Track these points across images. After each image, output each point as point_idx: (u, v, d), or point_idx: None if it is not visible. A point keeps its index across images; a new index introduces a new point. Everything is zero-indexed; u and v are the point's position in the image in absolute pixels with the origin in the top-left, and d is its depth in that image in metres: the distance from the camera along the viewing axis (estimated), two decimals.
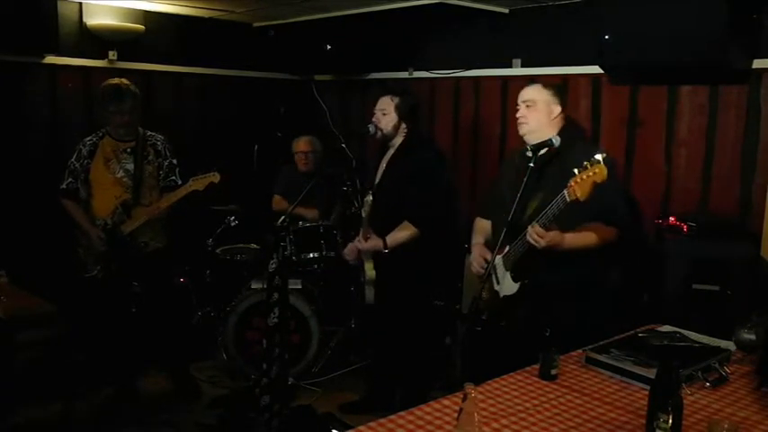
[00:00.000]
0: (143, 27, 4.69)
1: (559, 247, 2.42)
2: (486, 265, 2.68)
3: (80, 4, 4.48)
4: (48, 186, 3.80)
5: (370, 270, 3.34)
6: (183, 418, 3.53)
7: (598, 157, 2.17)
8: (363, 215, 3.38)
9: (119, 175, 3.56)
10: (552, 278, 2.53)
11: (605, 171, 2.16)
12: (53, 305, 3.16)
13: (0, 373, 3.16)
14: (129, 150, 3.60)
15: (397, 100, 3.30)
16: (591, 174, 2.17)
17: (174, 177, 3.70)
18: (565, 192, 2.25)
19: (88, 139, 3.61)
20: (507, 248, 2.61)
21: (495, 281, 2.73)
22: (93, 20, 4.51)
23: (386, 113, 3.31)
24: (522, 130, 2.68)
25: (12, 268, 3.46)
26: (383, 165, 3.41)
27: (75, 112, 4.56)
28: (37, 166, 4.40)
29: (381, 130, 3.32)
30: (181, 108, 5.07)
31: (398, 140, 3.35)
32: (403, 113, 3.31)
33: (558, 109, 2.67)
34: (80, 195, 3.61)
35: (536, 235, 2.37)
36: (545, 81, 2.76)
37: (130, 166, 3.57)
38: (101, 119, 3.66)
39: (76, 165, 3.58)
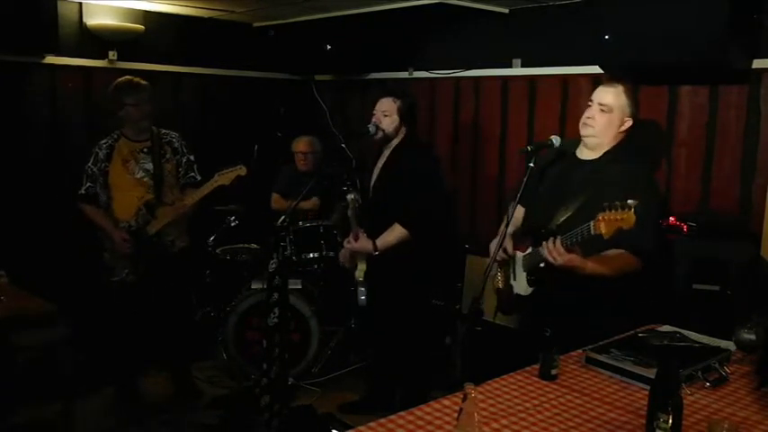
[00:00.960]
0: (143, 27, 4.68)
1: (579, 272, 2.34)
2: (504, 256, 2.62)
3: (80, 4, 4.47)
4: (48, 186, 3.82)
5: (361, 271, 3.35)
6: (183, 418, 3.53)
7: (631, 202, 2.07)
8: (349, 214, 3.38)
9: (139, 176, 3.55)
10: (568, 296, 2.45)
11: (633, 220, 2.06)
12: (53, 305, 3.15)
13: (0, 373, 3.16)
14: (145, 150, 3.58)
15: (399, 102, 3.32)
16: (618, 218, 2.08)
17: (193, 174, 3.68)
18: (591, 224, 2.17)
19: (104, 141, 3.59)
20: (530, 249, 2.57)
21: (512, 275, 2.69)
22: (93, 20, 4.51)
23: (388, 115, 3.32)
24: (586, 131, 2.54)
25: (12, 268, 3.46)
26: (379, 166, 3.42)
27: (75, 112, 4.55)
28: (37, 166, 4.40)
29: (383, 131, 3.32)
30: (181, 108, 5.07)
31: (395, 142, 3.36)
32: (404, 115, 3.33)
33: (629, 121, 2.55)
34: (100, 199, 3.57)
35: (555, 252, 2.30)
36: (626, 86, 2.59)
37: (149, 166, 3.55)
38: (113, 121, 3.63)
39: (94, 169, 3.55)
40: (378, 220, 3.32)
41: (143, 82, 3.56)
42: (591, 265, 2.34)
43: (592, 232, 2.18)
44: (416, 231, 3.23)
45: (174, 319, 3.76)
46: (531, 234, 2.51)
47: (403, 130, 3.36)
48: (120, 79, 3.57)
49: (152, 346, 3.87)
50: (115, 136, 3.61)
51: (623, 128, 2.56)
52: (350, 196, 3.36)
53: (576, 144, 2.64)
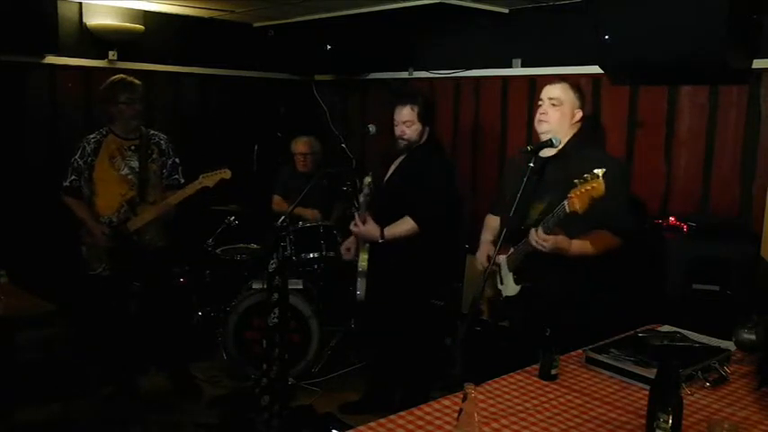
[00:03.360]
0: (143, 27, 4.68)
1: (566, 253, 2.41)
2: (487, 264, 2.67)
3: (80, 4, 4.48)
4: (48, 186, 3.80)
5: (363, 261, 3.33)
6: (183, 418, 3.53)
7: (597, 171, 2.16)
8: (362, 198, 3.35)
9: (123, 173, 3.57)
10: (553, 283, 2.53)
11: (602, 187, 2.15)
12: (53, 305, 3.16)
13: (0, 373, 3.16)
14: (133, 148, 3.61)
15: (417, 108, 3.28)
16: (589, 188, 2.16)
17: (177, 176, 3.71)
18: (565, 203, 2.25)
19: (92, 136, 3.61)
20: (511, 250, 2.62)
21: (498, 280, 2.73)
22: (93, 20, 4.51)
23: (410, 124, 3.28)
24: (542, 128, 2.65)
25: (12, 268, 3.46)
26: (396, 162, 3.41)
27: (75, 112, 4.56)
28: (37, 166, 4.40)
29: (408, 140, 3.30)
30: (181, 108, 5.07)
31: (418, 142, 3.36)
32: (424, 118, 3.31)
33: (580, 113, 2.65)
34: (83, 193, 3.61)
35: (539, 239, 2.37)
36: (571, 81, 2.71)
37: (135, 164, 3.59)
38: (105, 117, 3.66)
39: (80, 162, 3.58)
40: (389, 213, 3.31)
41: (137, 81, 3.60)
42: (575, 245, 2.43)
43: (567, 210, 2.25)
44: (426, 228, 3.23)
45: (161, 318, 3.77)
46: (511, 235, 2.53)
47: (426, 131, 3.34)
48: (114, 77, 3.61)
49: (152, 345, 3.87)
50: (104, 132, 3.63)
51: (575, 119, 2.65)
52: (367, 179, 3.33)
53: (544, 145, 2.67)
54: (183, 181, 3.69)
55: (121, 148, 3.60)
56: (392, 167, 3.42)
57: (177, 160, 3.74)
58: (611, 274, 2.61)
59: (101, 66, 4.59)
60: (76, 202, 3.59)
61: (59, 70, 4.46)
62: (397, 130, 3.31)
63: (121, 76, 3.61)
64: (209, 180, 3.54)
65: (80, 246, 3.60)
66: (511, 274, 2.65)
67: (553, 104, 2.63)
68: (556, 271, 2.49)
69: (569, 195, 2.21)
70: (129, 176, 3.57)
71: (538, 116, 2.67)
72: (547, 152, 2.64)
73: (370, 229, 3.27)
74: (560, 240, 2.38)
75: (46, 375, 3.42)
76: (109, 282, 3.57)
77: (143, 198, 3.58)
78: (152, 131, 3.71)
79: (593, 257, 2.48)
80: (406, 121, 3.28)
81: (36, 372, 3.41)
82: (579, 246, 2.44)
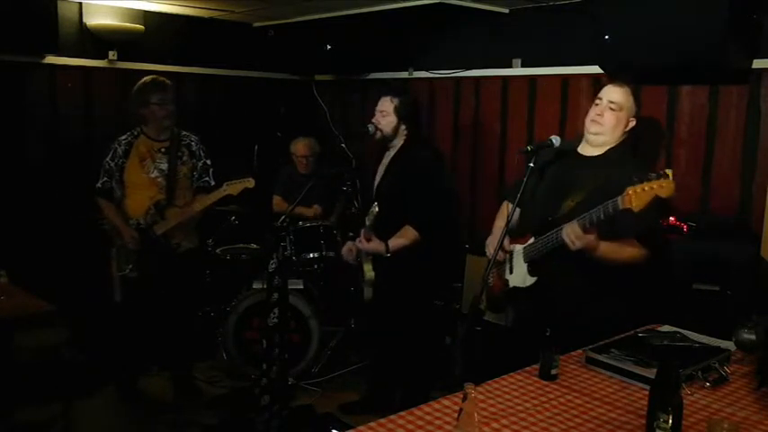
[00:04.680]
0: (143, 27, 4.68)
1: (592, 253, 2.36)
2: (497, 251, 2.64)
3: (80, 4, 4.47)
4: (47, 186, 3.82)
5: (369, 271, 3.34)
6: (183, 418, 3.53)
7: (669, 171, 2.12)
8: (367, 222, 3.36)
9: (153, 176, 3.57)
10: (570, 281, 2.49)
11: (672, 188, 2.10)
12: (53, 305, 3.15)
13: (0, 373, 3.16)
14: (163, 150, 3.61)
15: (396, 101, 3.28)
16: (655, 186, 2.10)
17: (207, 178, 3.71)
18: (619, 198, 2.18)
19: (123, 138, 3.62)
20: (532, 240, 2.56)
21: (507, 269, 2.69)
22: (93, 20, 4.51)
23: (385, 115, 3.29)
24: (594, 128, 2.55)
25: (12, 268, 3.46)
26: (382, 167, 3.41)
27: (75, 112, 4.55)
28: (37, 166, 4.40)
29: (381, 131, 3.31)
30: (180, 108, 5.05)
31: (398, 142, 3.34)
32: (402, 115, 3.29)
33: (633, 122, 2.59)
34: (114, 195, 3.61)
35: (573, 234, 2.31)
36: (632, 87, 2.62)
37: (165, 166, 3.58)
38: (135, 119, 3.65)
39: (111, 164, 3.58)
40: (384, 221, 3.31)
41: (168, 82, 3.61)
42: (603, 247, 2.36)
43: (620, 206, 2.18)
44: (427, 233, 3.23)
45: (177, 318, 3.76)
46: (533, 225, 2.51)
47: (403, 129, 3.31)
48: (146, 78, 3.61)
49: (153, 345, 3.87)
50: (135, 133, 3.63)
51: (628, 127, 2.59)
52: (374, 209, 3.34)
53: (576, 143, 2.64)
54: (213, 183, 3.68)
55: (152, 149, 3.59)
56: (378, 174, 3.42)
57: (209, 162, 3.73)
58: (628, 284, 2.55)
59: (101, 66, 4.59)
60: (107, 203, 3.60)
61: (59, 70, 4.46)
62: (373, 119, 3.33)
63: (153, 76, 3.61)
64: (232, 188, 3.54)
65: (110, 246, 3.60)
66: (525, 264, 2.60)
67: (611, 108, 2.53)
68: (576, 271, 2.44)
69: (626, 191, 2.14)
70: (158, 179, 3.57)
71: (592, 115, 2.57)
72: (588, 151, 2.59)
73: (375, 245, 3.27)
74: (591, 240, 2.32)
75: (46, 375, 3.42)
76: (137, 284, 3.57)
77: (171, 201, 3.57)
78: (183, 132, 3.70)
79: (616, 265, 2.43)
80: (382, 110, 3.29)
81: (36, 372, 3.41)
82: (607, 249, 2.38)
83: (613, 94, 2.55)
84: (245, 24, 5.27)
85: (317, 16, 4.70)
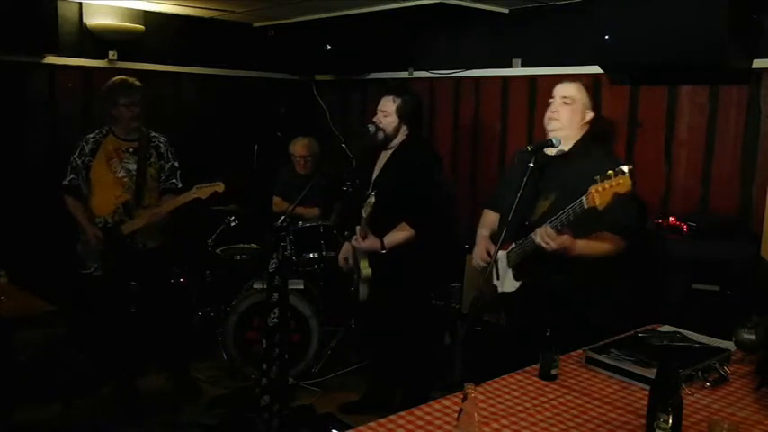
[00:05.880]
0: (143, 27, 4.68)
1: (569, 253, 2.41)
2: (488, 259, 2.66)
3: (80, 4, 4.47)
4: (47, 186, 3.81)
5: (365, 268, 3.33)
6: (183, 419, 3.53)
7: (624, 168, 2.16)
8: (363, 215, 3.37)
9: (119, 175, 3.57)
10: (554, 280, 2.53)
11: (629, 183, 2.15)
12: (53, 305, 3.15)
13: (0, 373, 3.16)
14: (131, 150, 3.60)
15: (398, 101, 3.28)
16: (614, 184, 2.16)
17: (174, 180, 3.70)
18: (584, 198, 2.24)
19: (91, 136, 3.61)
20: (513, 245, 2.60)
21: (495, 275, 2.71)
22: (93, 20, 4.51)
23: (387, 115, 3.29)
24: (552, 125, 2.63)
25: (12, 268, 3.46)
26: (379, 165, 3.41)
27: (75, 112, 4.55)
28: (37, 166, 4.39)
29: (383, 131, 3.31)
30: (180, 108, 5.07)
31: (397, 141, 3.34)
32: (403, 115, 3.29)
33: (591, 114, 2.64)
34: (82, 192, 3.61)
35: (547, 237, 2.35)
36: (583, 81, 2.71)
37: (132, 167, 3.58)
38: (105, 118, 3.65)
39: (78, 161, 3.58)
40: (380, 219, 3.31)
41: (137, 83, 3.59)
42: (580, 245, 2.42)
43: (585, 206, 2.24)
44: (423, 231, 3.23)
45: (160, 318, 3.76)
46: (511, 230, 2.53)
47: (404, 129, 3.32)
48: (114, 78, 3.60)
49: (152, 346, 3.87)
50: (104, 131, 3.62)
51: (586, 120, 2.64)
52: (371, 200, 3.34)
53: (544, 145, 2.66)
54: (180, 186, 3.67)
55: (119, 149, 3.59)
56: (375, 171, 3.42)
57: (176, 164, 3.72)
58: (611, 275, 2.60)
59: (101, 66, 4.59)
60: (74, 201, 3.59)
61: (59, 70, 4.46)
62: (375, 118, 3.33)
63: (122, 77, 3.60)
64: (202, 192, 3.54)
65: (76, 243, 3.61)
66: (510, 269, 2.63)
67: (565, 103, 2.61)
68: (557, 269, 2.48)
69: (589, 191, 2.20)
70: (125, 179, 3.56)
71: (548, 114, 2.65)
72: (552, 151, 2.63)
73: (371, 243, 3.27)
74: (565, 240, 2.37)
75: (46, 375, 3.42)
76: (101, 281, 3.57)
77: (139, 201, 3.57)
78: (153, 134, 3.69)
79: (596, 258, 2.47)
80: (384, 110, 3.30)
81: (36, 372, 3.41)
82: (583, 246, 2.44)
83: (565, 89, 2.64)
84: (245, 24, 5.27)
85: (317, 16, 4.70)
